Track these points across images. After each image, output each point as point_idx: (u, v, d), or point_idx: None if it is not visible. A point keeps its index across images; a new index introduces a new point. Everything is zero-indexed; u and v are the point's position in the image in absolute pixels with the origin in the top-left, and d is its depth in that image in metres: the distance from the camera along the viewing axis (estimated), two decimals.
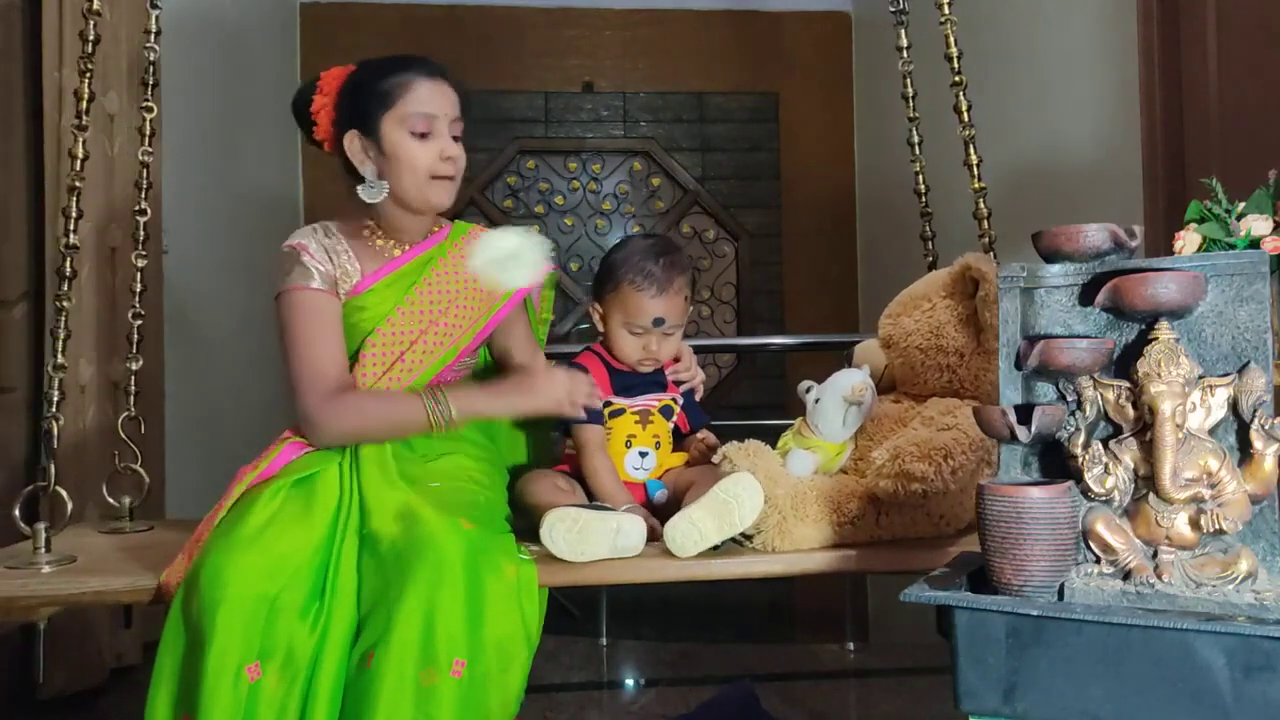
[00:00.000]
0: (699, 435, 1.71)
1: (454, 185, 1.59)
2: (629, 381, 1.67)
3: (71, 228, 1.74)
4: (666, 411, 1.68)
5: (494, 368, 1.77)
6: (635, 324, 1.63)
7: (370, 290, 1.58)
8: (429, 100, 1.54)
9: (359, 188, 1.57)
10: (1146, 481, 1.00)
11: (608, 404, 1.65)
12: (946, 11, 2.01)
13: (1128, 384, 1.02)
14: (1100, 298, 1.03)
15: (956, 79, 2.02)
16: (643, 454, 1.64)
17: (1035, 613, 0.93)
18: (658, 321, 1.63)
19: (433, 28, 4.52)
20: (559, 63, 4.67)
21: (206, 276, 3.21)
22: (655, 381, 1.69)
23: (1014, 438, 1.04)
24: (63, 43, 2.33)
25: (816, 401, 1.57)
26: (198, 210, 3.15)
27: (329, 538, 1.34)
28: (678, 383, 1.72)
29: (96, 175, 2.40)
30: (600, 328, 1.70)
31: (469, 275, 1.62)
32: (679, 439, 1.73)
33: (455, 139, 1.58)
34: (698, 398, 1.77)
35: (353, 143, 1.56)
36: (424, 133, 1.54)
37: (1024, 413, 1.04)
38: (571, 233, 4.73)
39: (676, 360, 1.74)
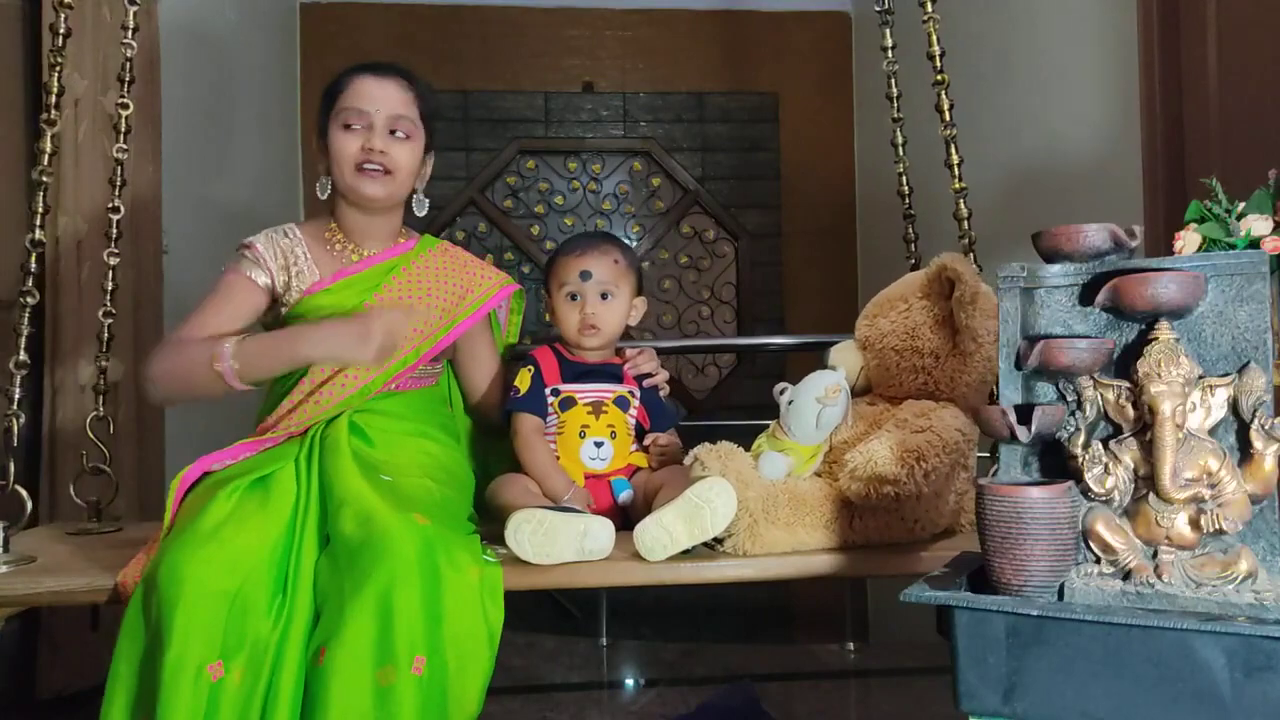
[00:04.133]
0: (649, 439, 1.68)
1: (389, 181, 1.59)
2: (579, 370, 1.68)
3: (38, 223, 1.75)
4: (622, 403, 1.67)
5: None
6: (567, 285, 1.67)
7: (326, 290, 1.60)
8: (363, 95, 1.57)
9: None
10: (1146, 481, 1.00)
11: (557, 392, 1.65)
12: (929, 10, 2.02)
13: (1128, 384, 1.02)
14: (1100, 298, 1.03)
15: (939, 78, 2.02)
16: (598, 444, 1.62)
17: (1035, 613, 0.93)
18: (585, 275, 1.65)
19: (433, 28, 4.51)
20: (559, 63, 4.67)
21: (206, 276, 3.18)
22: (609, 373, 1.69)
23: (1014, 438, 1.04)
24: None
25: (790, 403, 1.53)
26: (197, 210, 3.15)
27: (288, 533, 1.32)
28: (638, 378, 1.71)
29: (96, 174, 2.39)
30: (549, 317, 1.72)
31: (433, 286, 1.64)
32: (642, 437, 1.70)
33: (399, 136, 1.58)
34: (662, 394, 1.74)
35: (317, 146, 1.65)
36: (354, 125, 1.57)
37: (1024, 413, 1.04)
38: (571, 233, 4.72)
39: (639, 355, 1.73)
